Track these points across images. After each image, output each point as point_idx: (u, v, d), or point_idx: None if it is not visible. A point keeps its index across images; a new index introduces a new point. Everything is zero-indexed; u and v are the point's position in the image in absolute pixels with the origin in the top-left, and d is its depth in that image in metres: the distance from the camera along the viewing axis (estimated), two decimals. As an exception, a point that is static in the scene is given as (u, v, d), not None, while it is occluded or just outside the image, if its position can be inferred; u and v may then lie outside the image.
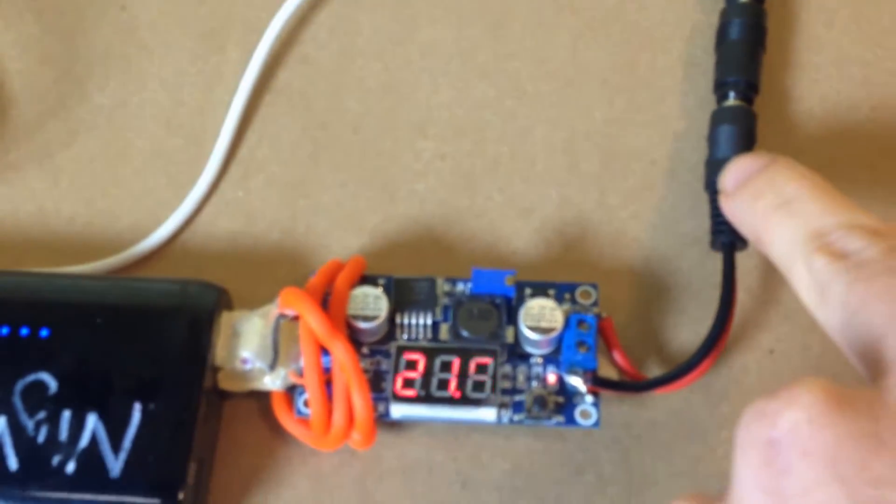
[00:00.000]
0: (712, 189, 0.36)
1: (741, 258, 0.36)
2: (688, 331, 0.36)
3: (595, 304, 0.35)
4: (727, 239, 0.35)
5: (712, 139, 0.37)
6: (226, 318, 0.35)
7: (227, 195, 0.39)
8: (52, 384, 0.33)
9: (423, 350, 0.34)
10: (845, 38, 0.40)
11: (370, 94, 0.40)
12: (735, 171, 0.32)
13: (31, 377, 0.33)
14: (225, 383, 0.34)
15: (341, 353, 0.33)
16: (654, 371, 0.35)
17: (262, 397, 0.35)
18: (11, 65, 0.41)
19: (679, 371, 0.34)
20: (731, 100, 0.37)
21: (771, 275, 0.36)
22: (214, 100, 0.41)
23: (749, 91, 0.37)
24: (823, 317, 0.26)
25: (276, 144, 0.40)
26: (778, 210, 0.29)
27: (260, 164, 0.39)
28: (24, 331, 0.34)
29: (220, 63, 0.41)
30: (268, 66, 0.41)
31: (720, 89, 0.38)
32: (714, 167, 0.36)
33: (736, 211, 0.32)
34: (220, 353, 0.34)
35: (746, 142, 0.36)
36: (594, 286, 0.35)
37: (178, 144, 0.40)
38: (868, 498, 0.20)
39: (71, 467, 0.32)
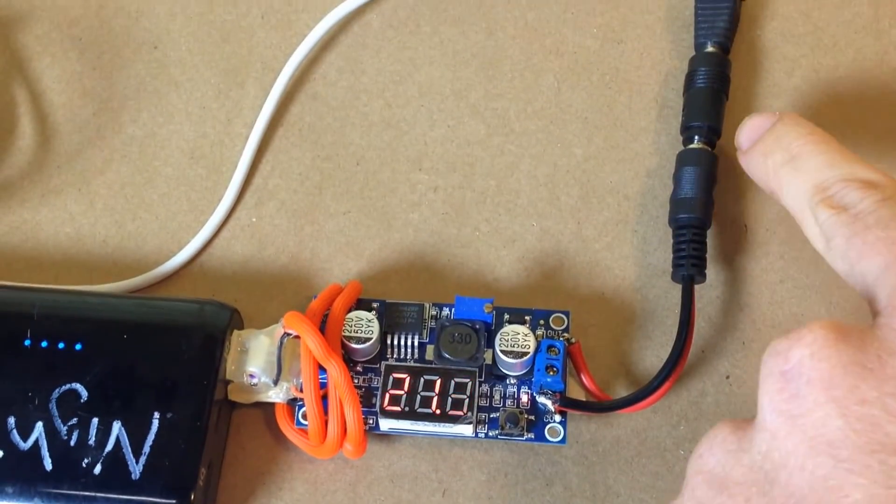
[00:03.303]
0: (676, 224, 0.38)
1: (701, 289, 0.38)
2: (652, 355, 0.38)
3: (566, 329, 0.37)
4: (686, 272, 0.37)
5: (677, 179, 0.38)
6: (236, 337, 0.37)
7: (242, 221, 0.41)
8: (84, 393, 0.35)
9: (409, 370, 0.36)
10: (805, 84, 0.41)
11: (372, 128, 0.42)
12: (747, 130, 0.35)
13: (66, 387, 0.35)
14: (234, 395, 0.36)
15: (335, 373, 0.35)
16: (621, 391, 0.37)
17: (267, 408, 0.37)
18: (56, 98, 0.44)
19: (641, 394, 0.35)
20: (696, 143, 0.39)
21: (729, 305, 0.38)
22: (233, 132, 0.43)
23: (712, 135, 0.39)
24: (831, 261, 0.29)
25: (286, 174, 0.42)
26: (786, 165, 0.32)
27: (272, 192, 0.42)
28: (61, 344, 0.36)
29: (240, 98, 0.43)
30: (282, 101, 0.43)
31: (686, 132, 0.39)
32: (677, 205, 0.38)
33: (750, 167, 0.35)
34: (230, 368, 0.36)
35: (707, 182, 0.38)
36: (566, 313, 0.37)
37: (200, 173, 0.42)
38: (856, 414, 0.24)
39: (98, 469, 0.34)
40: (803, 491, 0.24)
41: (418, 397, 0.35)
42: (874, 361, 0.25)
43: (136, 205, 0.42)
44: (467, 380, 0.35)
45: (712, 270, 0.38)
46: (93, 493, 0.34)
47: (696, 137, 0.39)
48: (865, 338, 0.25)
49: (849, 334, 0.25)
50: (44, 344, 0.36)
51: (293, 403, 0.36)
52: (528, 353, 0.35)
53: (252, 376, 0.36)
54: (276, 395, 0.36)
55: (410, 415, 0.35)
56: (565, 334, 0.36)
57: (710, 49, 0.40)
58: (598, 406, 0.36)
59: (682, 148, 0.39)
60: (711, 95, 0.39)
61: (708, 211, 0.37)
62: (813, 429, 0.24)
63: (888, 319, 0.26)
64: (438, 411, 0.35)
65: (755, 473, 0.25)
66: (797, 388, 0.25)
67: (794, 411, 0.25)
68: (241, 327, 0.38)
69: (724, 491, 0.26)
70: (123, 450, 0.34)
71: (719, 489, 0.26)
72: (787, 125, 0.33)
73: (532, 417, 0.35)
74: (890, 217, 0.27)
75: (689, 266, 0.37)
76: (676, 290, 0.38)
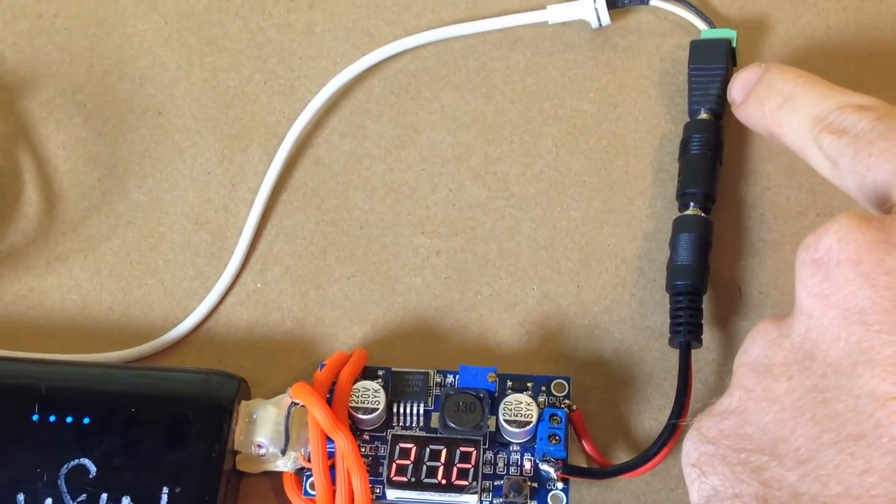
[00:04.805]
0: (673, 291, 0.38)
1: (698, 353, 0.38)
2: (650, 418, 0.38)
3: (567, 395, 0.37)
4: (683, 339, 0.37)
5: (673, 245, 0.38)
6: (244, 407, 0.37)
7: (248, 286, 0.41)
8: (92, 469, 0.35)
9: (415, 439, 0.36)
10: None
11: (375, 192, 0.42)
12: (739, 84, 0.37)
13: (74, 462, 0.35)
14: (242, 465, 0.36)
15: (343, 444, 0.35)
16: (620, 454, 0.37)
17: (275, 477, 0.37)
18: (61, 164, 0.44)
19: (641, 459, 0.35)
20: (691, 209, 0.39)
21: (725, 368, 0.38)
22: (237, 197, 0.43)
23: (707, 201, 0.39)
24: (840, 183, 0.31)
25: (291, 239, 0.42)
26: (782, 107, 0.33)
27: (276, 257, 0.41)
28: (69, 419, 0.36)
29: (244, 163, 0.43)
30: (285, 166, 0.43)
31: (682, 198, 0.39)
32: (674, 272, 0.38)
33: (747, 117, 0.36)
34: (238, 439, 0.36)
35: (703, 249, 0.38)
36: (567, 379, 0.37)
37: (204, 238, 0.42)
38: (883, 283, 0.25)
39: (108, 545, 0.34)
40: (840, 358, 0.26)
41: (424, 467, 0.35)
42: None
43: (142, 271, 0.42)
44: (472, 449, 0.35)
45: (708, 333, 0.38)
46: (104, 568, 0.34)
47: (692, 204, 0.39)
48: (886, 221, 0.27)
49: (870, 220, 0.27)
50: (52, 419, 0.36)
51: (301, 473, 0.36)
52: (531, 422, 0.35)
53: (260, 447, 0.36)
54: (284, 465, 0.36)
55: (417, 485, 0.35)
56: (566, 401, 0.36)
57: (703, 116, 0.40)
58: (600, 472, 0.36)
59: (677, 213, 0.39)
60: (706, 162, 0.39)
61: (704, 277, 0.38)
62: (845, 302, 0.26)
63: None
64: (444, 481, 0.35)
65: (796, 354, 0.27)
66: (828, 271, 0.27)
67: (826, 291, 0.27)
68: (248, 396, 0.38)
69: (768, 374, 0.27)
70: (133, 524, 0.34)
71: (764, 374, 0.28)
72: (776, 72, 0.35)
73: (535, 484, 0.35)
74: (889, 129, 0.29)
75: (685, 332, 0.37)
76: (673, 353, 0.38)
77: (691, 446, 0.28)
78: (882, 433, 0.24)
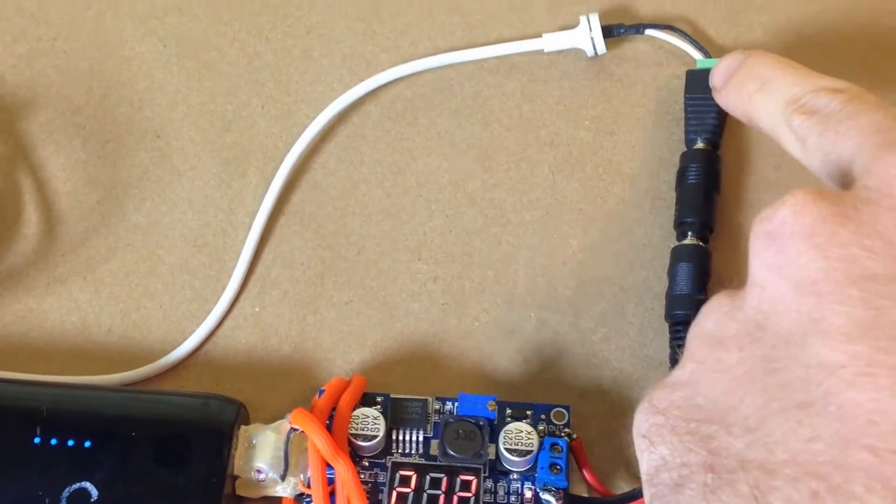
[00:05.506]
0: (672, 320, 0.38)
1: (695, 382, 0.38)
2: (647, 445, 0.38)
3: (567, 424, 0.37)
4: (682, 368, 0.37)
5: (672, 275, 0.39)
6: (243, 432, 0.36)
7: (245, 310, 0.41)
8: (94, 492, 0.35)
9: (415, 467, 0.36)
10: (792, 179, 0.42)
11: (372, 218, 0.42)
12: (720, 70, 0.37)
13: (76, 486, 0.35)
14: (241, 490, 0.36)
15: (343, 471, 0.34)
16: (621, 483, 0.37)
17: (273, 502, 0.36)
18: (61, 186, 0.43)
19: (640, 490, 0.35)
20: (689, 238, 0.39)
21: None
22: (235, 221, 0.42)
23: (705, 231, 0.39)
24: (807, 161, 0.31)
25: (288, 263, 0.42)
26: (759, 92, 0.34)
27: (274, 281, 0.41)
28: (70, 442, 0.35)
29: (242, 187, 0.43)
30: (283, 191, 0.43)
31: (680, 227, 0.40)
32: (673, 301, 0.38)
33: (727, 102, 0.37)
34: (237, 463, 0.36)
35: (701, 278, 0.38)
36: (566, 408, 0.37)
37: (203, 261, 0.42)
38: (835, 255, 0.25)
39: (108, 571, 0.34)
40: (791, 328, 0.26)
41: (425, 495, 0.35)
42: (851, 211, 0.26)
43: (141, 293, 0.41)
44: (472, 477, 0.35)
45: (705, 361, 0.38)
46: None
47: (690, 233, 0.39)
48: (842, 196, 0.27)
49: (826, 194, 0.27)
50: (53, 441, 0.35)
51: (300, 499, 0.36)
52: (532, 451, 0.35)
53: (259, 472, 0.36)
54: (284, 490, 0.36)
55: (417, 513, 0.35)
56: (566, 430, 0.36)
57: (700, 145, 0.40)
58: (602, 502, 0.36)
59: (675, 242, 0.40)
60: (703, 192, 0.40)
61: (702, 306, 0.38)
62: (797, 273, 0.26)
63: (863, 181, 0.27)
64: (445, 510, 0.35)
65: (748, 325, 0.27)
66: (782, 243, 0.26)
67: (779, 263, 0.26)
68: (247, 421, 0.37)
69: (720, 346, 0.27)
70: (133, 550, 0.34)
71: (716, 346, 0.28)
72: (755, 58, 0.35)
73: (536, 513, 0.35)
74: (857, 111, 0.29)
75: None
76: (671, 381, 0.38)
77: (642, 417, 0.29)
78: (830, 401, 0.24)
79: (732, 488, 0.25)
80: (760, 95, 0.34)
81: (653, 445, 0.27)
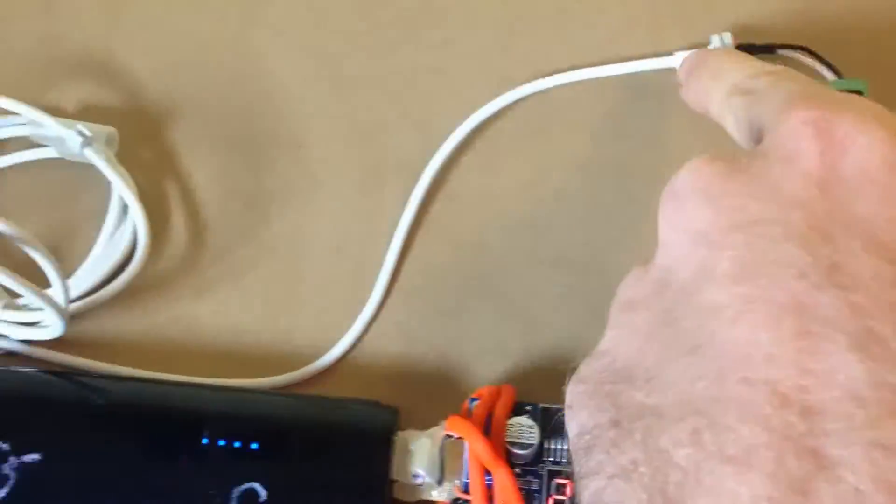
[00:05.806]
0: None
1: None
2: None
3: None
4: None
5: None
6: (400, 437, 0.38)
7: (391, 318, 0.42)
8: (262, 493, 0.36)
9: (570, 476, 0.37)
10: None
11: (510, 229, 0.43)
12: (684, 67, 0.40)
13: (245, 486, 0.36)
14: (399, 493, 0.38)
15: (503, 478, 0.36)
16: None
17: (424, 507, 0.38)
18: (206, 195, 0.45)
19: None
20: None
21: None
22: (375, 231, 0.44)
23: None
24: (738, 137, 0.32)
25: (430, 273, 0.43)
26: (710, 81, 0.35)
27: (418, 290, 0.43)
28: (237, 443, 0.37)
29: (381, 197, 0.44)
30: (423, 202, 0.44)
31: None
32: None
33: (688, 95, 0.38)
34: (394, 468, 0.37)
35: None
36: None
37: (346, 269, 0.43)
38: (724, 204, 0.26)
39: (271, 572, 0.35)
40: (688, 280, 0.26)
41: (579, 503, 0.36)
42: (743, 166, 0.27)
43: (288, 299, 0.43)
44: (625, 486, 0.36)
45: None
46: None
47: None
48: (738, 154, 0.28)
49: (723, 155, 0.28)
50: (221, 442, 0.37)
51: (454, 502, 0.37)
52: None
53: (417, 476, 0.37)
54: (440, 495, 0.37)
55: (574, 520, 0.36)
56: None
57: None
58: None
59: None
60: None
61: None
62: (692, 225, 0.27)
63: (764, 141, 0.28)
64: (601, 517, 0.36)
65: (654, 285, 0.28)
66: (681, 203, 0.27)
67: (678, 220, 0.27)
68: (401, 428, 0.39)
69: (632, 310, 0.28)
70: (299, 551, 0.35)
71: (628, 310, 0.28)
72: (713, 53, 0.37)
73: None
74: (782, 87, 0.30)
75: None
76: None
77: (568, 390, 0.29)
78: (714, 341, 0.24)
79: (631, 438, 0.25)
80: (711, 84, 0.35)
81: (574, 413, 0.28)
